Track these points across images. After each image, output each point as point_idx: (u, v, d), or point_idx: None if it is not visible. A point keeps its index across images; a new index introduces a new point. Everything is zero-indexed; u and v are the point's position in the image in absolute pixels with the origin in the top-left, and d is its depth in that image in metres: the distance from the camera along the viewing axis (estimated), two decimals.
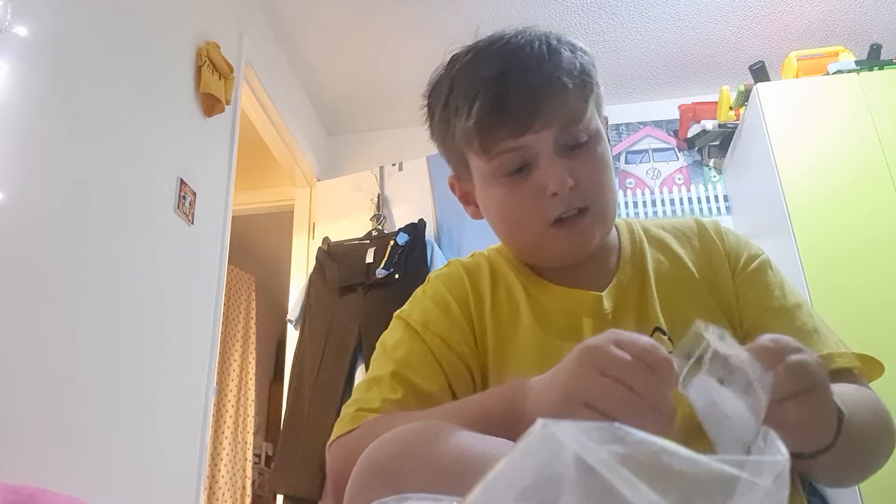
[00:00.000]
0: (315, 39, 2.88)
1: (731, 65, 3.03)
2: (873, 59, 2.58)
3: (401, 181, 2.97)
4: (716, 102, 2.98)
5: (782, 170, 2.36)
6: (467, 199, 0.83)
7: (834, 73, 2.53)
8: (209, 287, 2.10)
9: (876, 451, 0.66)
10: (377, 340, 0.80)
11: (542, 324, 0.75)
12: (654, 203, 3.08)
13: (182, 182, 1.95)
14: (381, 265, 2.55)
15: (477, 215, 0.82)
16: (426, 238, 2.63)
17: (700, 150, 3.15)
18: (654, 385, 0.45)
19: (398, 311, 0.81)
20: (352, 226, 2.92)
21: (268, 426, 4.75)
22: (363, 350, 2.45)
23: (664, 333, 0.72)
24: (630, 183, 3.13)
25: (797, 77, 2.60)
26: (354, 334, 2.49)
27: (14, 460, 1.27)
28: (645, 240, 0.82)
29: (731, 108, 2.90)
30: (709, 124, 2.98)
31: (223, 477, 3.74)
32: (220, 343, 2.90)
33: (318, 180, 3.26)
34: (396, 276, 2.52)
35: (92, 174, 1.59)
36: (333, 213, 3.07)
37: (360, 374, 2.45)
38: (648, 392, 0.45)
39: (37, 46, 1.43)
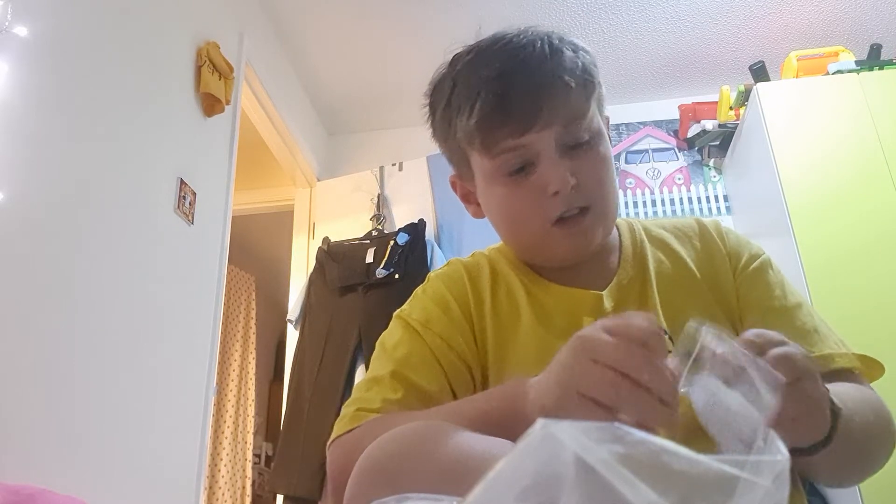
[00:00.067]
0: (315, 39, 2.88)
1: (731, 65, 3.03)
2: (873, 59, 2.58)
3: (401, 181, 2.97)
4: (716, 102, 2.98)
5: (782, 170, 2.36)
6: (469, 199, 0.83)
7: (834, 73, 2.53)
8: (209, 287, 2.10)
9: (876, 451, 0.66)
10: (377, 340, 0.80)
11: (543, 323, 0.75)
12: (654, 203, 3.08)
13: (182, 182, 1.95)
14: (381, 265, 2.55)
15: (478, 214, 0.83)
16: (426, 238, 2.63)
17: (700, 150, 3.15)
18: (646, 368, 0.45)
19: (398, 310, 0.81)
20: (352, 226, 2.92)
21: (268, 426, 4.75)
22: (363, 350, 2.45)
23: (665, 333, 0.73)
24: (630, 183, 3.13)
25: (797, 77, 2.60)
26: (354, 334, 2.49)
27: (14, 460, 1.27)
28: (646, 239, 0.82)
29: (731, 108, 2.90)
30: (709, 124, 2.98)
31: (223, 477, 3.74)
32: (220, 343, 2.91)
33: (319, 180, 3.26)
34: (396, 276, 2.52)
35: (92, 174, 1.59)
36: (333, 213, 3.07)
37: (360, 374, 2.45)
38: (641, 375, 0.44)
39: (37, 46, 1.43)
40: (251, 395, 4.21)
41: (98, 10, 1.67)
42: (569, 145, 0.72)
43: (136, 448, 1.66)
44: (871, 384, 0.73)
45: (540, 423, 0.31)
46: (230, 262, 2.36)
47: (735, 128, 2.87)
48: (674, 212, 3.05)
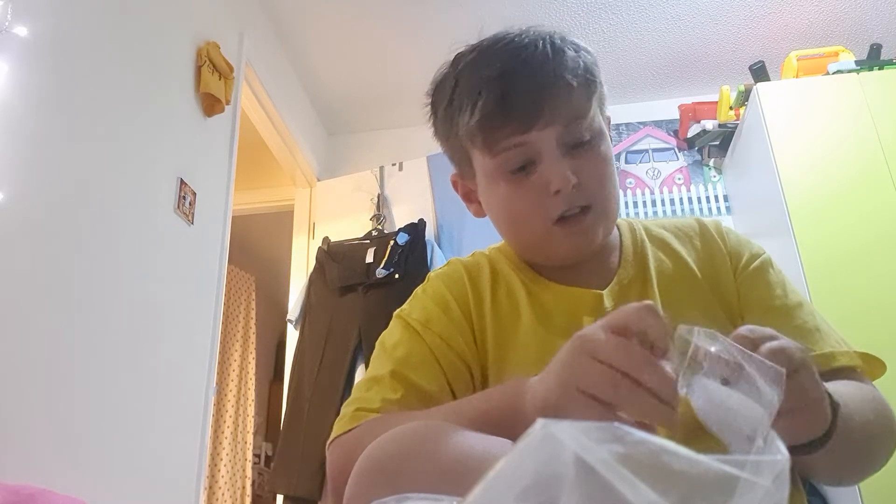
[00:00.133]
0: (315, 39, 2.88)
1: (731, 65, 3.03)
2: (873, 59, 2.58)
3: (401, 181, 2.97)
4: (716, 102, 2.98)
5: (782, 170, 2.36)
6: (470, 198, 0.83)
7: (834, 73, 2.53)
8: (209, 287, 2.10)
9: (877, 449, 0.66)
10: (377, 340, 0.80)
11: (543, 322, 0.75)
12: (654, 203, 3.08)
13: (182, 182, 1.96)
14: (381, 265, 2.55)
15: (479, 213, 0.83)
16: (426, 238, 2.63)
17: (700, 150, 3.15)
18: (646, 367, 0.45)
19: (398, 310, 0.82)
20: (352, 226, 2.92)
21: (268, 426, 4.75)
22: (363, 350, 2.45)
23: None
24: (630, 183, 3.13)
25: (797, 77, 2.60)
26: (354, 334, 2.49)
27: (14, 460, 1.27)
28: (646, 239, 0.82)
29: (731, 108, 2.90)
30: (709, 124, 2.98)
31: (223, 477, 3.74)
32: (220, 343, 2.91)
33: (319, 180, 3.25)
34: (396, 275, 2.52)
35: (92, 174, 1.59)
36: (333, 213, 3.07)
37: (360, 374, 2.45)
38: (643, 376, 0.45)
39: (37, 46, 1.43)
40: (251, 395, 4.21)
41: (98, 10, 1.67)
42: (570, 144, 0.72)
43: (136, 448, 1.66)
44: (874, 382, 0.73)
45: (540, 422, 0.31)
46: (230, 262, 2.36)
47: (735, 128, 2.87)
48: (674, 212, 3.05)
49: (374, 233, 2.80)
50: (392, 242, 2.62)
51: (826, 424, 0.53)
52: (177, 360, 1.89)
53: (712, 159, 3.12)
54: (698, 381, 0.45)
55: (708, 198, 3.05)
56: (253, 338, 4.32)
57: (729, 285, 0.78)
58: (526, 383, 0.56)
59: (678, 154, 3.17)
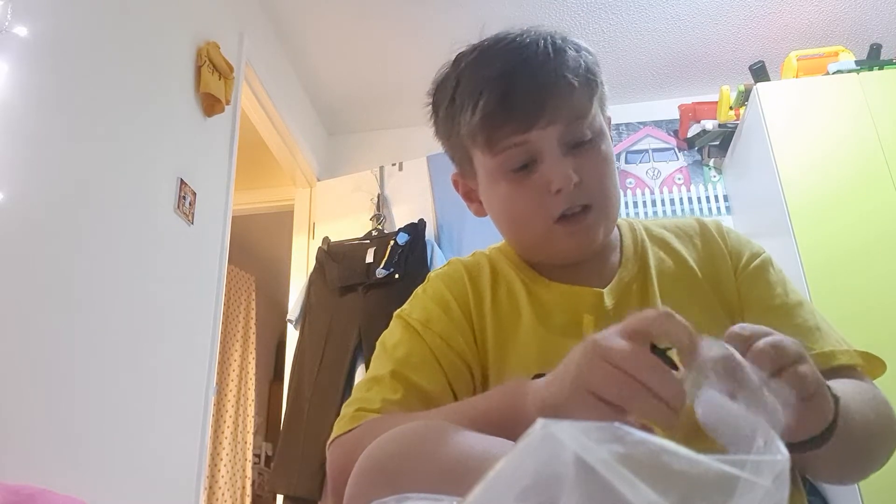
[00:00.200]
0: (315, 39, 2.88)
1: (731, 65, 3.03)
2: (873, 59, 2.58)
3: (401, 181, 2.97)
4: (716, 102, 2.97)
5: (782, 170, 2.36)
6: (471, 197, 0.83)
7: (834, 73, 2.53)
8: (209, 287, 2.10)
9: (878, 447, 0.66)
10: (377, 340, 0.80)
11: (543, 321, 0.75)
12: (654, 203, 3.08)
13: (182, 182, 1.96)
14: (381, 265, 2.55)
15: (480, 213, 0.83)
16: (426, 238, 2.63)
17: (700, 150, 3.15)
18: (659, 374, 0.45)
19: (398, 310, 0.82)
20: (352, 226, 2.92)
21: (268, 426, 4.75)
22: (363, 350, 2.45)
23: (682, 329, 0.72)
24: (630, 183, 3.13)
25: (797, 77, 2.60)
26: (354, 334, 2.49)
27: (14, 460, 1.27)
28: (647, 238, 0.82)
29: (731, 108, 2.90)
30: (709, 124, 2.98)
31: (223, 477, 3.74)
32: (220, 343, 2.91)
33: (319, 180, 3.25)
34: (396, 275, 2.52)
35: (92, 174, 1.59)
36: (333, 213, 3.07)
37: (360, 374, 2.45)
38: (655, 382, 0.45)
39: (37, 46, 1.43)
40: (251, 395, 4.21)
41: (98, 10, 1.67)
42: (571, 144, 0.72)
43: (136, 448, 1.66)
44: (874, 382, 0.73)
45: (540, 422, 0.31)
46: (230, 262, 2.36)
47: (735, 128, 2.87)
48: (674, 212, 3.05)
49: (374, 233, 2.80)
50: (392, 242, 2.62)
51: (829, 418, 0.52)
52: (177, 360, 1.89)
53: (712, 159, 3.12)
54: (705, 391, 0.45)
55: (708, 198, 3.05)
56: (253, 338, 4.32)
57: (729, 284, 0.78)
58: (527, 384, 0.56)
59: (678, 154, 3.17)
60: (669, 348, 0.48)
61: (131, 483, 1.63)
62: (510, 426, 0.47)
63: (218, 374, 2.94)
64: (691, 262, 0.80)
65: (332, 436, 0.71)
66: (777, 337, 0.49)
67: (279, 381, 3.66)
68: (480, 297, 0.79)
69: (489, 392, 0.64)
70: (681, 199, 3.06)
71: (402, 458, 0.49)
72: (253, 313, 4.37)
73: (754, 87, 2.57)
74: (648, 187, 3.11)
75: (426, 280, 0.84)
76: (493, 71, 0.72)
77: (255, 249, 4.35)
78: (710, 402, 0.44)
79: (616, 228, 0.83)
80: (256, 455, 4.39)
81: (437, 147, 0.84)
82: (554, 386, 0.52)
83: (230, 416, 3.96)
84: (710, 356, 0.45)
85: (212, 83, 2.10)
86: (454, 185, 0.85)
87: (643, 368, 0.45)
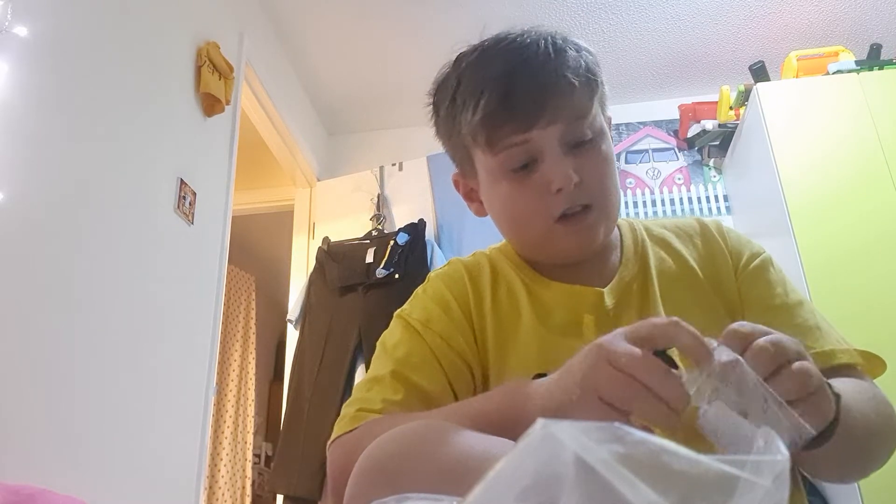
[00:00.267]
0: (315, 39, 2.88)
1: (731, 65, 3.03)
2: (873, 59, 2.58)
3: (401, 181, 2.97)
4: (716, 102, 2.97)
5: (782, 170, 2.36)
6: (471, 197, 0.83)
7: (834, 73, 2.53)
8: (209, 287, 2.10)
9: (879, 446, 0.66)
10: (377, 340, 0.80)
11: (543, 320, 0.75)
12: (654, 203, 3.08)
13: (182, 182, 1.96)
14: (381, 265, 2.55)
15: (481, 212, 0.83)
16: (426, 238, 2.63)
17: (700, 150, 3.15)
18: (660, 375, 0.46)
19: (398, 310, 0.82)
20: (352, 226, 2.92)
21: (268, 426, 4.75)
22: (363, 350, 2.45)
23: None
24: (630, 183, 3.13)
25: (797, 77, 2.60)
26: (354, 334, 2.49)
27: (14, 460, 1.27)
28: (647, 238, 0.83)
29: (731, 108, 2.90)
30: (709, 124, 2.98)
31: (223, 477, 3.74)
32: (220, 343, 2.91)
33: (319, 180, 3.26)
34: (396, 275, 2.52)
35: (92, 174, 1.59)
36: (333, 213, 3.07)
37: (360, 374, 2.45)
38: (660, 387, 0.45)
39: (37, 46, 1.43)
40: (251, 395, 4.21)
41: (98, 10, 1.67)
42: (572, 143, 0.72)
43: (136, 448, 1.66)
44: (874, 381, 0.73)
45: (540, 422, 0.31)
46: (230, 262, 2.36)
47: (735, 128, 2.87)
48: (674, 212, 3.05)
49: (374, 233, 2.80)
50: (392, 242, 2.62)
51: (829, 416, 0.52)
52: (177, 360, 1.89)
53: (712, 159, 3.12)
54: (715, 406, 0.45)
55: (708, 198, 3.05)
56: (253, 338, 4.33)
57: (730, 284, 0.78)
58: (528, 384, 0.56)
59: (678, 154, 3.17)
60: (669, 347, 0.48)
61: (131, 483, 1.63)
62: (510, 426, 0.48)
63: (218, 374, 2.94)
64: (692, 262, 0.80)
65: (333, 436, 0.71)
66: (775, 336, 0.49)
67: (279, 381, 3.66)
68: (481, 296, 0.79)
69: (490, 392, 0.64)
70: (681, 199, 3.07)
71: (402, 458, 0.49)
72: (253, 313, 4.37)
73: (754, 87, 2.57)
74: (648, 187, 3.11)
75: (426, 280, 0.84)
76: (494, 71, 0.72)
77: (255, 249, 4.35)
78: (715, 414, 0.44)
79: (616, 228, 0.83)
80: (256, 455, 4.39)
81: (437, 147, 0.84)
82: (558, 388, 0.52)
83: (230, 416, 3.96)
84: (719, 362, 0.46)
85: (212, 83, 2.10)
86: (455, 185, 0.85)
87: (645, 370, 0.46)
